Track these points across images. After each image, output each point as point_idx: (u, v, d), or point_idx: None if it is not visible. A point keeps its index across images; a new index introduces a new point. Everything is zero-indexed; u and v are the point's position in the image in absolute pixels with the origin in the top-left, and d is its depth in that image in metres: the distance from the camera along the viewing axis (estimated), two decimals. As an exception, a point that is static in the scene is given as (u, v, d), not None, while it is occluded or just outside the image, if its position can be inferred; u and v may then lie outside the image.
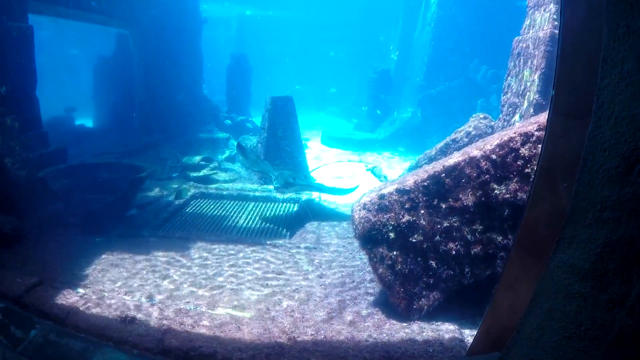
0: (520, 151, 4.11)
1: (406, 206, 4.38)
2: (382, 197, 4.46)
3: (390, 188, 4.51)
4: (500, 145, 4.13)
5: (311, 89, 30.01)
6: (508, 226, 4.34)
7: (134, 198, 7.53)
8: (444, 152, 6.98)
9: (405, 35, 22.31)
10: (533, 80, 6.33)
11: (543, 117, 4.39)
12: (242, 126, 16.31)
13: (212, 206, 9.07)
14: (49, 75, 24.55)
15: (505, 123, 6.92)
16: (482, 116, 7.41)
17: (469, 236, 4.35)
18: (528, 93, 6.45)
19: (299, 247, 6.56)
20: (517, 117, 6.64)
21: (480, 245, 4.36)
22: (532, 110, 6.22)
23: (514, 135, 4.13)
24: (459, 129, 7.23)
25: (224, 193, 9.65)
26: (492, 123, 7.29)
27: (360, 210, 4.54)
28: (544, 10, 6.55)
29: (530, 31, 6.87)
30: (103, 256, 5.94)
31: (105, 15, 11.94)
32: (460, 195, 4.26)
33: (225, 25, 33.15)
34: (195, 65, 16.32)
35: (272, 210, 8.85)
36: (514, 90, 6.92)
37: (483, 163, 4.17)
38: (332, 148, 17.09)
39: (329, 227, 7.62)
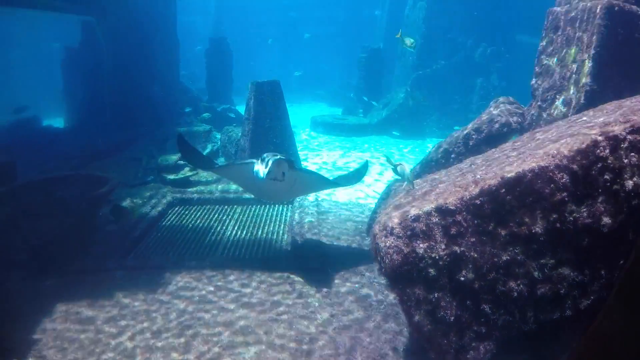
0: (609, 161, 2.98)
1: (451, 232, 3.24)
2: (416, 218, 3.30)
3: (425, 205, 3.35)
4: (582, 152, 2.99)
5: (293, 70, 28.63)
6: (585, 259, 3.24)
7: (95, 219, 6.26)
8: (466, 144, 5.82)
9: (395, 11, 21.00)
10: (582, 61, 5.16)
11: (630, 113, 3.26)
12: (224, 116, 14.98)
13: (193, 215, 7.88)
14: (25, 71, 22.89)
15: (542, 112, 5.76)
16: (506, 100, 6.24)
17: (535, 273, 3.23)
18: (575, 76, 5.28)
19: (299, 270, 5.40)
20: (558, 104, 5.49)
21: (549, 283, 3.25)
22: (582, 99, 5.06)
23: (599, 138, 2.99)
24: (481, 117, 6.07)
25: (207, 197, 8.47)
26: (522, 110, 6.13)
27: (385, 236, 3.38)
28: (596, -27, 5.36)
29: (575, 1, 5.67)
30: (56, 309, 4.68)
31: (66, 2, 10.47)
32: (526, 219, 3.13)
33: (203, 8, 31.50)
34: (171, 51, 14.91)
35: (263, 217, 7.67)
36: (553, 72, 5.74)
37: (559, 176, 3.03)
38: (322, 135, 15.87)
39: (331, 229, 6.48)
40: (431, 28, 17.04)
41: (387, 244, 3.30)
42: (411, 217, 3.24)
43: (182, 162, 9.96)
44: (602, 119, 3.35)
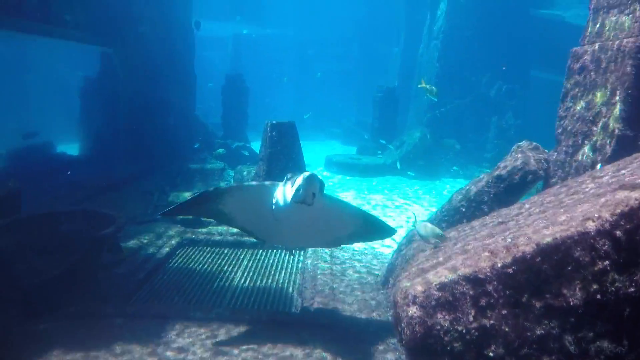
0: (657, 224, 2.68)
1: (480, 303, 2.93)
2: (442, 287, 3.01)
3: (451, 272, 3.05)
4: (627, 216, 2.70)
5: (311, 108, 28.74)
6: (626, 330, 2.90)
7: (98, 259, 6.04)
8: (489, 193, 5.53)
9: (409, 49, 21.10)
10: (613, 104, 4.90)
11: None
12: (238, 154, 14.89)
13: (201, 257, 7.62)
14: (44, 97, 23.26)
15: (568, 157, 5.48)
16: (529, 145, 5.98)
17: (571, 347, 2.89)
18: (604, 120, 5.02)
19: (312, 327, 5.05)
20: (586, 150, 5.21)
21: (586, 358, 2.90)
22: (613, 145, 4.78)
23: (648, 198, 2.69)
24: (503, 163, 5.80)
25: (217, 239, 8.22)
26: (545, 155, 5.86)
27: (407, 305, 3.08)
28: (622, 12, 5.16)
29: (600, 40, 5.46)
30: (48, 357, 4.39)
31: (84, 32, 10.63)
32: (564, 290, 2.81)
33: (221, 45, 32.17)
34: (187, 85, 15.02)
35: (274, 262, 7.38)
36: (579, 115, 5.48)
37: (600, 243, 2.73)
38: (337, 175, 15.66)
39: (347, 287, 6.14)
40: (445, 67, 17.00)
41: (409, 314, 2.99)
42: (436, 285, 2.94)
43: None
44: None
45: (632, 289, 2.80)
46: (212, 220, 8.95)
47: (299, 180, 3.72)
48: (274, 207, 4.21)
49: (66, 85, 22.18)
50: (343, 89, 30.43)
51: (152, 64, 12.62)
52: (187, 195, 9.92)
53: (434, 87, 10.27)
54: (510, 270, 2.81)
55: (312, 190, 3.72)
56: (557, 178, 5.67)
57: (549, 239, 2.77)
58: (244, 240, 7.96)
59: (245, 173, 10.59)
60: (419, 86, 10.21)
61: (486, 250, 2.96)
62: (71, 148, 14.99)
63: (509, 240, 2.92)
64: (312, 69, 31.95)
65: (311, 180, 3.69)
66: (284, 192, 4.04)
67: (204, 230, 8.56)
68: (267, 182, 4.39)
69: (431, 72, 17.43)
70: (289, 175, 4.03)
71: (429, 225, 3.89)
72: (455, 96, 16.90)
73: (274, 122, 8.94)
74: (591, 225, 2.73)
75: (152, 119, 12.83)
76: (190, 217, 9.09)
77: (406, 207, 11.39)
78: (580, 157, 5.40)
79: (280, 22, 33.30)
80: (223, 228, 8.53)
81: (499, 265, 2.82)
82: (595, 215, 2.76)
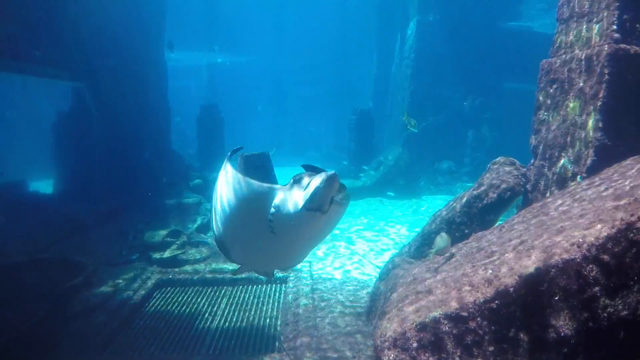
0: (646, 244, 2.53)
1: (466, 341, 2.72)
2: (422, 327, 2.80)
3: (431, 309, 2.85)
4: (613, 239, 2.54)
5: (288, 134, 28.68)
6: (621, 353, 2.74)
7: (68, 310, 5.69)
8: (468, 214, 5.38)
9: (382, 70, 21.27)
10: (588, 114, 4.81)
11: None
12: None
13: (180, 298, 7.29)
14: (18, 133, 22.68)
15: (546, 171, 5.38)
16: (506, 161, 5.87)
17: (567, 380, 2.70)
18: (580, 131, 4.93)
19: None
20: (564, 162, 5.11)
21: (586, 390, 2.71)
22: (591, 154, 4.68)
23: (632, 218, 2.54)
24: (481, 182, 5.67)
25: (194, 278, 7.89)
26: (523, 170, 5.75)
27: (388, 348, 2.86)
28: (591, 21, 5.13)
29: (570, 50, 5.42)
30: None
31: (54, 68, 10.40)
32: (553, 321, 2.63)
33: (196, 74, 32.12)
34: (161, 118, 14.75)
35: (254, 299, 7.09)
36: (554, 127, 5.40)
37: (587, 269, 2.56)
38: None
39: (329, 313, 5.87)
40: (418, 85, 17.09)
41: (391, 358, 2.77)
42: (417, 325, 2.74)
43: (169, 239, 9.48)
44: (628, 188, 2.92)
45: (626, 312, 2.64)
46: (189, 258, 8.76)
47: (316, 181, 2.99)
48: (272, 217, 3.37)
49: (39, 120, 21.74)
50: (320, 113, 30.52)
51: (124, 98, 12.37)
52: (162, 233, 9.60)
53: (413, 119, 10.63)
54: (493, 305, 2.62)
55: (332, 194, 3.04)
56: (537, 193, 5.56)
57: (531, 269, 2.60)
58: (222, 278, 7.68)
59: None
60: (403, 119, 10.50)
61: (467, 283, 2.77)
62: (46, 185, 14.53)
63: (490, 271, 2.74)
64: (289, 95, 32.05)
65: (333, 181, 2.95)
66: (289, 197, 3.24)
67: (181, 269, 8.24)
68: (265, 185, 3.42)
69: (404, 91, 17.51)
70: (296, 177, 3.27)
71: (444, 235, 3.75)
72: (430, 113, 16.97)
73: (246, 154, 8.72)
74: (576, 251, 2.56)
75: (127, 154, 12.50)
76: (167, 257, 8.78)
77: (387, 229, 11.23)
78: (558, 170, 5.30)
79: (255, 49, 33.46)
80: (201, 266, 8.23)
81: (482, 300, 2.63)
82: (580, 240, 2.60)
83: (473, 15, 17.13)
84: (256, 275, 7.52)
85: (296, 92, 31.99)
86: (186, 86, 31.14)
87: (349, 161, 18.83)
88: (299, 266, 7.99)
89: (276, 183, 9.00)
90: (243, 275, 7.52)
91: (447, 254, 3.78)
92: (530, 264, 2.65)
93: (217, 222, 3.84)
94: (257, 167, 8.60)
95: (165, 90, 15.09)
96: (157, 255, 8.79)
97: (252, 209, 3.42)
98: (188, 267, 8.27)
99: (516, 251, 2.87)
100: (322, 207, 3.02)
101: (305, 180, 3.12)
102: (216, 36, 30.60)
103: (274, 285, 7.43)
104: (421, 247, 5.41)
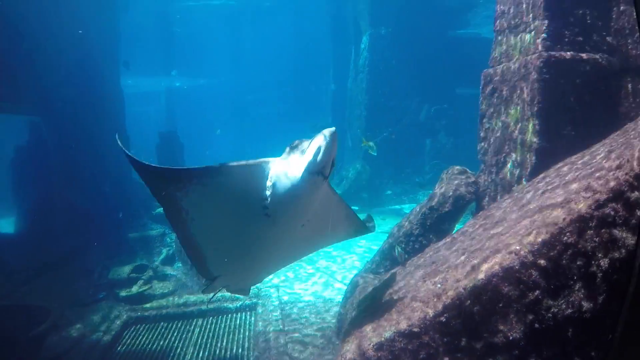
0: (579, 245, 2.69)
1: (421, 356, 2.81)
2: (380, 346, 2.87)
3: (386, 328, 2.93)
4: (548, 244, 2.69)
5: (251, 155, 28.56)
6: (574, 348, 2.89)
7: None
8: (424, 225, 5.53)
9: (339, 85, 21.60)
10: (527, 120, 5.06)
11: (588, 177, 3.03)
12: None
13: (150, 335, 7.14)
14: None
15: (494, 176, 5.60)
16: (457, 170, 6.07)
17: (522, 380, 2.82)
18: (521, 136, 5.17)
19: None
20: (510, 167, 5.34)
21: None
22: (532, 158, 4.92)
23: (563, 224, 2.71)
24: (433, 192, 5.85)
25: (164, 313, 7.75)
26: (473, 178, 5.97)
27: (349, 370, 2.91)
28: (524, 31, 5.41)
29: (509, 60, 5.69)
30: None
31: (9, 102, 10.17)
32: (500, 326, 2.75)
33: (154, 99, 31.74)
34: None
35: (225, 329, 7.02)
36: (497, 134, 5.65)
37: (526, 274, 2.70)
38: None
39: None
40: (374, 97, 17.39)
41: (351, 380, 2.83)
42: (374, 346, 2.81)
43: (134, 274, 9.29)
44: (561, 192, 3.09)
45: (570, 310, 2.78)
46: (157, 293, 8.60)
47: (318, 140, 2.74)
48: (267, 195, 2.98)
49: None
50: (282, 132, 30.60)
51: (81, 130, 12.08)
52: (127, 269, 9.40)
53: (371, 143, 11.05)
54: (443, 319, 2.72)
55: (333, 155, 2.79)
56: (488, 198, 5.77)
57: (475, 281, 2.72)
58: (192, 311, 7.59)
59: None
60: (362, 144, 10.94)
61: (419, 299, 2.87)
62: (7, 223, 14.00)
63: (439, 285, 2.85)
64: (250, 115, 32.03)
65: (335, 137, 2.71)
66: (286, 166, 2.91)
67: (149, 305, 8.08)
68: (258, 160, 3.03)
69: (361, 104, 17.81)
70: (294, 143, 2.96)
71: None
72: (388, 124, 17.28)
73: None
74: (514, 259, 2.70)
75: (87, 187, 12.20)
76: (134, 293, 8.61)
77: (352, 245, 11.30)
78: (505, 175, 5.53)
79: (213, 71, 33.39)
80: (169, 300, 8.10)
81: (432, 314, 2.73)
82: (517, 247, 2.74)
83: (423, 26, 17.64)
84: (225, 305, 7.48)
85: (257, 112, 32.04)
86: (145, 112, 30.73)
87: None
88: (266, 287, 7.97)
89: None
90: (212, 306, 7.45)
91: (404, 269, 3.89)
92: (474, 274, 2.77)
93: (188, 229, 3.23)
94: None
95: (123, 119, 14.86)
96: (124, 293, 8.61)
97: (243, 192, 3.02)
98: (156, 302, 8.12)
99: (462, 263, 3.00)
100: (324, 169, 2.78)
101: (305, 143, 2.87)
102: (173, 60, 30.43)
103: (243, 313, 7.38)
104: (382, 263, 5.52)
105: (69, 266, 10.27)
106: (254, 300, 7.46)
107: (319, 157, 2.73)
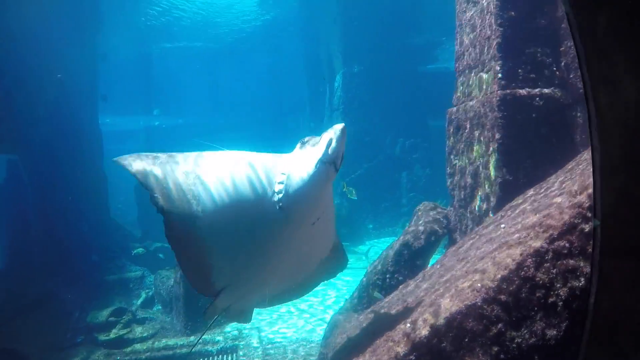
0: (537, 278, 2.91)
1: (393, 396, 2.93)
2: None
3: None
4: (507, 280, 2.90)
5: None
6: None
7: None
8: (399, 262, 5.70)
9: (316, 124, 22.04)
10: (489, 155, 5.36)
11: (543, 211, 3.28)
12: (155, 257, 14.28)
13: (130, 383, 7.05)
14: None
15: (464, 210, 5.86)
16: (428, 207, 6.33)
17: (492, 412, 2.97)
18: (485, 171, 5.46)
19: None
20: (477, 201, 5.61)
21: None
22: (498, 190, 5.18)
23: (522, 258, 2.93)
24: (406, 229, 6.06)
25: (143, 358, 7.67)
26: (445, 211, 6.22)
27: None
28: (482, 70, 5.78)
29: (469, 99, 6.04)
30: None
31: None
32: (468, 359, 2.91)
33: (134, 138, 31.70)
34: (98, 187, 14.34)
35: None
36: (464, 170, 5.94)
37: (489, 309, 2.89)
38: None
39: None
40: (349, 134, 17.67)
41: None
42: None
43: (113, 318, 9.17)
44: (519, 227, 3.32)
45: (534, 339, 2.96)
46: (136, 337, 8.48)
47: (329, 133, 2.93)
48: (283, 186, 3.00)
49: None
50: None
51: (59, 169, 12.05)
52: (106, 313, 9.26)
53: (351, 189, 11.63)
54: (412, 357, 2.87)
55: (343, 149, 2.94)
56: (459, 232, 6.02)
57: (441, 319, 2.89)
58: (173, 354, 7.54)
59: (164, 278, 10.14)
60: (343, 189, 11.46)
61: (390, 339, 3.02)
62: None
63: (408, 325, 3.01)
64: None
65: (345, 131, 2.91)
66: (299, 159, 2.99)
67: (129, 349, 7.98)
68: (267, 156, 3.10)
69: (336, 142, 18.12)
70: (305, 139, 3.10)
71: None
72: (364, 160, 17.63)
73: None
74: (476, 296, 2.89)
75: (64, 226, 12.07)
76: (113, 337, 8.49)
77: (333, 280, 11.27)
78: (474, 209, 5.79)
79: (192, 110, 33.64)
80: (149, 344, 8.01)
81: (402, 354, 2.87)
82: (479, 285, 2.94)
83: (394, 63, 18.24)
84: (206, 348, 7.42)
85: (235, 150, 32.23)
86: (123, 150, 30.56)
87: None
88: (247, 328, 7.91)
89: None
90: (193, 350, 7.38)
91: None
92: (440, 312, 2.94)
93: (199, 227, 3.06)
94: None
95: (100, 158, 14.81)
96: (102, 337, 8.52)
97: (257, 183, 3.03)
98: (136, 346, 8.04)
99: (430, 302, 3.18)
100: (337, 160, 2.91)
101: (316, 138, 3.02)
102: (152, 100, 30.66)
103: (225, 356, 7.34)
104: (360, 301, 5.65)
105: (46, 308, 10.09)
106: (235, 342, 7.44)
107: (331, 148, 2.89)
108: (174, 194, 3.04)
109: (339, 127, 2.96)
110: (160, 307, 10.13)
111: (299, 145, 3.12)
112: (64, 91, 12.69)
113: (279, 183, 3.03)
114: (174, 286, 8.94)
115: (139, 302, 10.50)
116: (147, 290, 11.06)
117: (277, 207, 3.02)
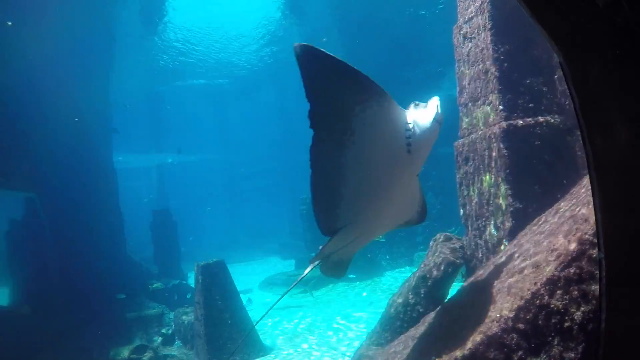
0: (552, 305, 3.05)
1: None
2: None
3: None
4: (523, 309, 3.04)
5: (243, 228, 28.70)
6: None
7: None
8: (419, 294, 5.78)
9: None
10: (498, 185, 5.52)
11: (552, 238, 3.42)
12: (175, 293, 14.40)
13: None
14: None
15: (479, 240, 5.99)
16: (444, 237, 6.40)
17: None
18: (496, 200, 5.61)
19: None
20: (491, 230, 5.73)
21: None
22: (509, 219, 5.32)
23: (537, 287, 3.08)
24: (424, 262, 6.15)
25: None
26: (460, 242, 6.33)
27: None
28: (484, 103, 6.00)
29: (475, 131, 6.23)
30: None
31: (4, 177, 10.46)
32: (491, 388, 3.02)
33: (145, 175, 32.20)
34: (115, 225, 14.61)
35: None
36: (476, 200, 6.09)
37: (508, 339, 3.02)
38: (278, 296, 15.25)
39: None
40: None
41: None
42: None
43: (135, 355, 9.27)
44: (530, 255, 3.47)
45: (553, 365, 3.07)
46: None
47: (434, 100, 3.53)
48: (411, 133, 3.40)
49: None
50: (273, 203, 30.90)
51: (76, 207, 12.30)
52: (127, 352, 9.38)
53: None
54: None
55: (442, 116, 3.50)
56: (475, 261, 6.13)
57: (465, 351, 3.03)
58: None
59: (185, 316, 10.28)
60: None
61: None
62: (1, 294, 13.75)
63: (433, 358, 3.14)
64: (241, 188, 32.48)
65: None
66: (419, 115, 3.48)
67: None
68: (395, 104, 3.40)
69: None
70: (415, 103, 3.56)
71: None
72: (378, 190, 17.71)
73: (203, 263, 8.95)
74: (496, 327, 3.03)
75: (82, 264, 12.23)
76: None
77: (353, 315, 11.23)
78: (487, 238, 5.91)
79: (203, 147, 34.22)
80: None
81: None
82: (497, 315, 3.08)
83: (402, 93, 18.60)
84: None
85: (247, 185, 32.59)
86: (136, 187, 31.05)
87: (307, 249, 19.03)
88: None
89: (235, 287, 9.15)
90: None
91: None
92: (464, 344, 3.08)
93: (344, 155, 3.25)
94: (215, 273, 8.83)
95: (116, 195, 15.13)
96: (124, 379, 8.58)
97: (396, 123, 3.40)
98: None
99: (453, 335, 3.31)
100: (441, 121, 3.45)
101: (423, 104, 3.56)
102: (163, 137, 31.27)
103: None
104: (382, 334, 5.73)
105: (67, 344, 10.19)
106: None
107: (438, 110, 3.45)
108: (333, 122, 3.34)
109: (437, 98, 3.56)
110: (180, 344, 10.20)
111: (412, 105, 3.58)
112: (79, 132, 13.08)
113: (407, 130, 3.43)
114: (195, 324, 9.05)
115: (160, 340, 10.58)
116: (167, 328, 11.14)
117: (407, 150, 3.41)
